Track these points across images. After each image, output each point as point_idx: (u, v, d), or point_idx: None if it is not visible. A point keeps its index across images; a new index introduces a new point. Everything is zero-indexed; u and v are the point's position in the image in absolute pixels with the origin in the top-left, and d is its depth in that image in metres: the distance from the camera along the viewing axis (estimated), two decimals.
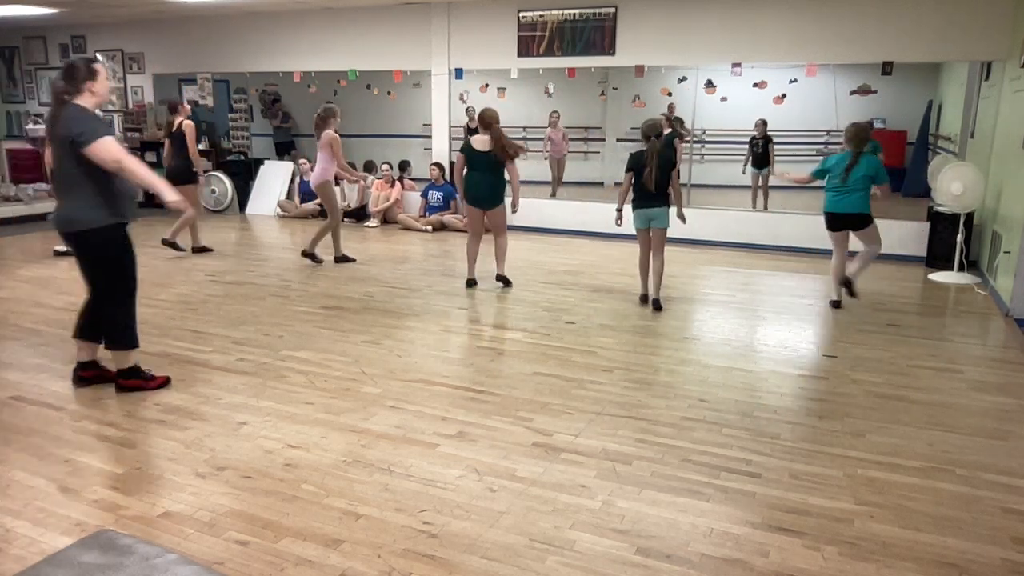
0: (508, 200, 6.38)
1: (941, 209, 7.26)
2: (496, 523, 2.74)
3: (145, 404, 3.85)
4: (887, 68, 7.67)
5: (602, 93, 12.87)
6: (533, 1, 8.89)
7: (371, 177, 10.46)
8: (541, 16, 8.91)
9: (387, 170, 10.01)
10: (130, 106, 11.81)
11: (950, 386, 4.23)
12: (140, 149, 11.06)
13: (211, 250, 7.94)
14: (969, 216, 6.89)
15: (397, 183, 10.15)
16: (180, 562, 1.57)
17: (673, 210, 5.79)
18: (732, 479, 3.10)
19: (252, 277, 6.79)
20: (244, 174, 11.13)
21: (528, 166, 12.49)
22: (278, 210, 10.71)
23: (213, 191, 11.00)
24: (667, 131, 8.93)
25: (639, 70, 8.70)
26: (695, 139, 11.38)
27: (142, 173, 3.68)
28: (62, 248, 7.59)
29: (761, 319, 5.66)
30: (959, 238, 6.86)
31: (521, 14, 8.99)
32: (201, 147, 11.34)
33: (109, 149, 3.55)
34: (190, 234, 7.72)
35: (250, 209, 10.88)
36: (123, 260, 3.85)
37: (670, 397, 4.02)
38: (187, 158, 7.45)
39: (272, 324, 5.29)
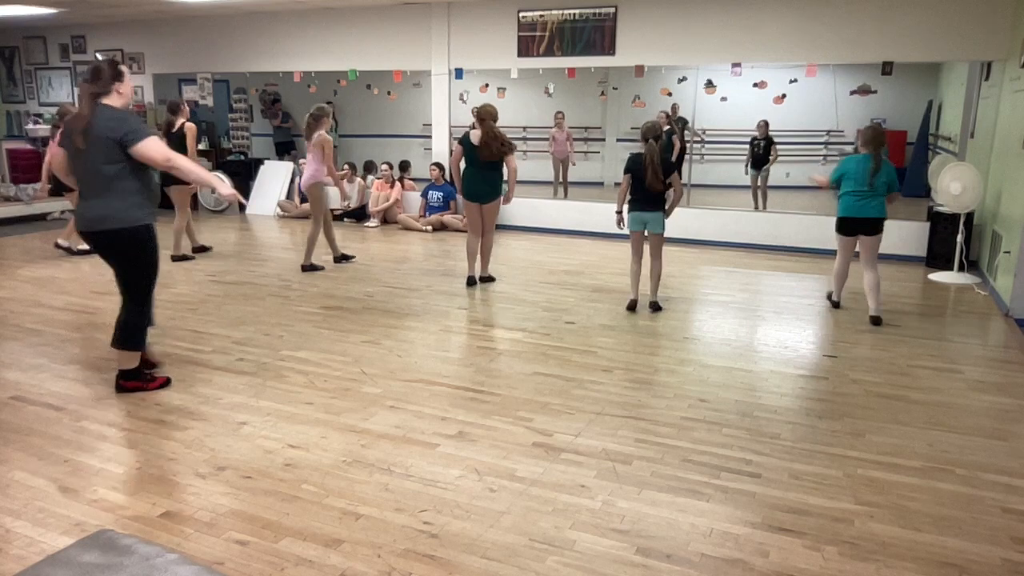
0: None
1: (941, 209, 7.26)
2: (496, 523, 2.75)
3: (145, 404, 3.85)
4: (887, 68, 7.67)
5: (602, 93, 12.87)
6: (533, 1, 8.89)
7: (370, 177, 10.47)
8: (541, 16, 8.91)
9: (387, 170, 10.01)
10: (130, 106, 11.80)
11: (950, 386, 4.23)
12: None
13: (209, 248, 7.94)
14: (969, 216, 6.89)
15: (397, 183, 10.15)
16: (180, 562, 1.57)
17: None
18: (732, 479, 3.10)
19: (252, 277, 6.79)
20: (244, 174, 11.13)
21: (529, 166, 12.55)
22: (278, 210, 10.71)
23: (213, 191, 10.99)
24: (665, 128, 8.94)
25: (639, 70, 8.69)
26: (696, 139, 11.37)
27: (193, 169, 3.83)
28: (84, 247, 7.61)
29: (761, 319, 5.66)
30: (959, 238, 6.86)
31: (521, 14, 8.99)
32: (201, 147, 11.36)
33: (159, 148, 3.67)
34: (187, 236, 7.69)
35: (250, 209, 10.88)
36: (154, 259, 3.89)
37: (670, 397, 4.02)
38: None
39: (272, 324, 5.30)
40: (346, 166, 10.41)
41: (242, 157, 11.52)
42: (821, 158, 12.64)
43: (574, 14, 8.73)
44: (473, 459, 3.25)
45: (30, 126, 11.87)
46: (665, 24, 8.41)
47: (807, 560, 2.54)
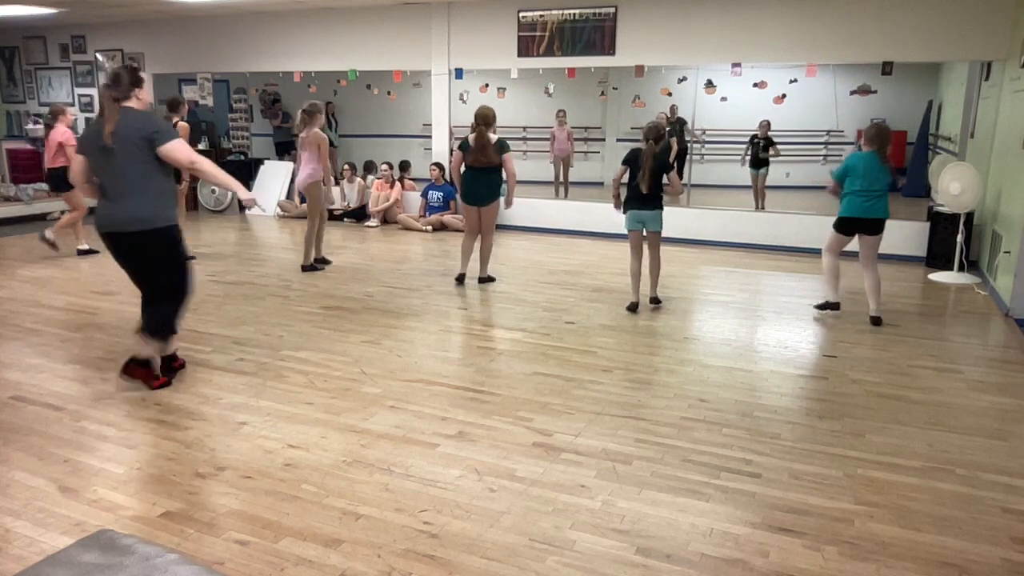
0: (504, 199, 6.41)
1: (941, 209, 7.26)
2: (496, 523, 2.75)
3: (145, 404, 3.85)
4: (887, 68, 7.67)
5: (602, 93, 12.88)
6: (533, 1, 8.89)
7: (370, 177, 10.47)
8: (541, 16, 8.91)
9: (387, 170, 10.01)
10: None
11: (950, 386, 4.23)
12: None
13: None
14: (969, 216, 6.89)
15: (397, 183, 10.15)
16: (180, 562, 1.57)
17: (667, 211, 5.74)
18: (732, 479, 3.10)
19: (252, 277, 6.79)
20: (244, 174, 11.13)
21: (529, 166, 12.56)
22: (278, 210, 10.71)
23: (213, 191, 11.01)
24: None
25: (639, 70, 8.69)
26: (693, 140, 11.37)
27: (216, 173, 3.91)
28: (85, 246, 7.64)
29: (761, 319, 5.65)
30: (959, 238, 6.86)
31: (521, 14, 8.99)
32: (201, 147, 11.37)
33: (184, 149, 3.78)
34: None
35: (250, 208, 10.87)
36: (186, 256, 3.99)
37: (670, 397, 4.02)
38: None
39: (272, 324, 5.30)
40: (346, 166, 10.43)
41: (242, 157, 11.52)
42: (821, 158, 12.65)
43: (574, 14, 8.73)
44: (473, 459, 3.25)
45: (30, 126, 11.87)
46: (665, 24, 8.41)
47: (807, 560, 2.54)
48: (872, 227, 5.40)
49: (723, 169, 12.44)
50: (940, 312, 5.95)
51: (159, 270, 3.91)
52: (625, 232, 5.84)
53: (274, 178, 11.09)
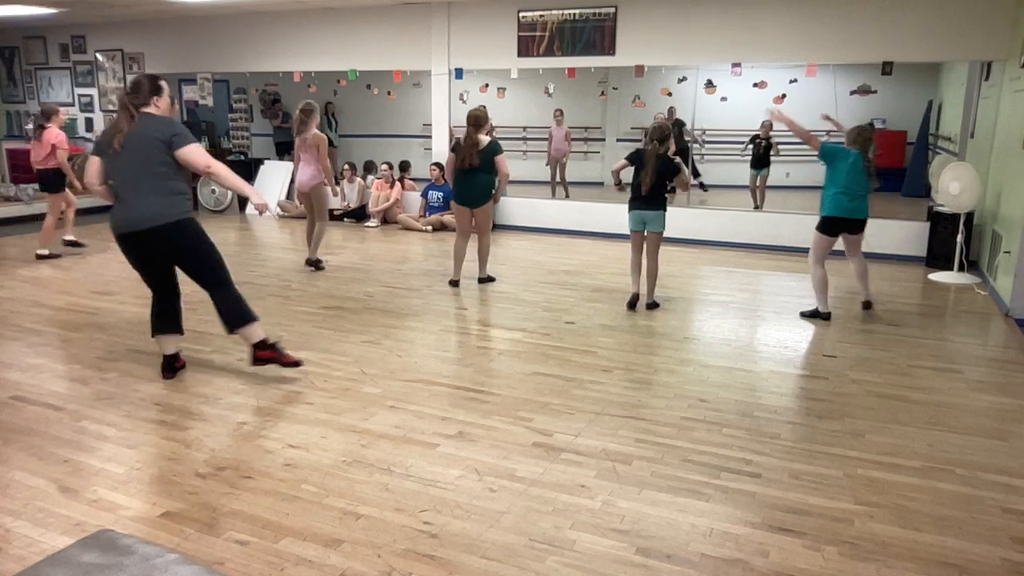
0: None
1: (941, 209, 7.26)
2: (496, 523, 2.75)
3: (145, 404, 3.85)
4: (887, 68, 7.67)
5: (602, 93, 12.88)
6: (533, 1, 8.89)
7: (370, 177, 10.46)
8: (541, 16, 8.91)
9: (387, 170, 10.01)
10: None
11: (950, 386, 4.23)
12: None
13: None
14: (969, 216, 6.89)
15: (397, 183, 10.15)
16: (180, 562, 1.57)
17: (669, 212, 5.74)
18: (732, 479, 3.10)
19: (252, 277, 6.79)
20: (244, 174, 11.12)
21: (529, 166, 12.56)
22: (278, 210, 10.71)
23: (213, 191, 11.00)
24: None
25: (639, 70, 8.69)
26: (692, 140, 11.36)
27: (231, 177, 3.98)
28: (68, 237, 7.87)
29: (761, 319, 5.65)
30: (959, 238, 6.86)
31: (521, 14, 8.99)
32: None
33: (201, 153, 3.87)
34: None
35: (250, 209, 10.88)
36: (211, 243, 4.03)
37: (670, 397, 4.02)
38: None
39: (272, 324, 5.29)
40: (346, 166, 10.42)
41: (242, 157, 11.51)
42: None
43: (574, 14, 8.73)
44: (473, 459, 3.25)
45: (30, 126, 11.86)
46: (665, 24, 8.41)
47: (807, 560, 2.54)
48: (856, 227, 5.50)
49: (723, 169, 12.44)
50: (940, 312, 5.95)
51: (190, 262, 3.98)
52: (627, 232, 5.85)
53: (274, 178, 11.09)
